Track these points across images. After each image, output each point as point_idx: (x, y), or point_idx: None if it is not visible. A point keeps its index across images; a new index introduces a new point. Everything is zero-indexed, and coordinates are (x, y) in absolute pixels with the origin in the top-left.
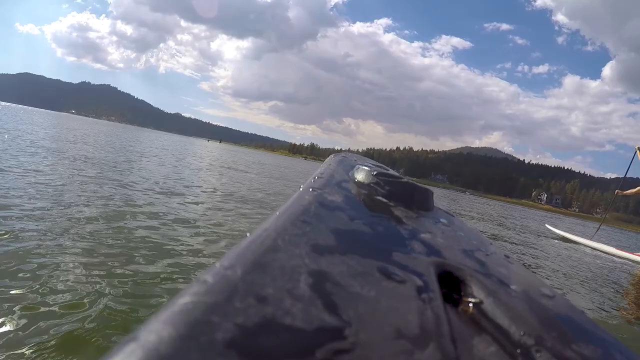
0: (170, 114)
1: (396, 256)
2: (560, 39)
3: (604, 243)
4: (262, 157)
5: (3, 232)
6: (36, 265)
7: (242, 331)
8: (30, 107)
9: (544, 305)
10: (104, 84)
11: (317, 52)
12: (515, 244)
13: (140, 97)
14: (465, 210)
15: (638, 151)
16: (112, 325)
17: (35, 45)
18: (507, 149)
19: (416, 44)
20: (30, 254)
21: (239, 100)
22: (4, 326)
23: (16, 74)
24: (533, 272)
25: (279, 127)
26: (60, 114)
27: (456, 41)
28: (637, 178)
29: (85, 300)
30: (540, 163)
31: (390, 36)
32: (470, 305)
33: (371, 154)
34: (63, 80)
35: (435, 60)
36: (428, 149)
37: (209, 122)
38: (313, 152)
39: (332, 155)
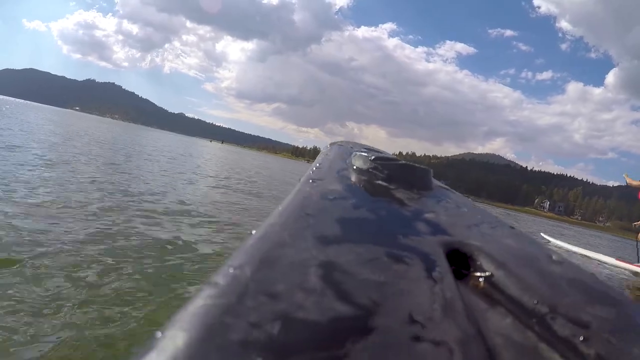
0: (174, 113)
1: (402, 239)
2: (564, 46)
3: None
4: (266, 160)
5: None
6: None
7: (256, 329)
8: (34, 103)
9: (554, 272)
10: (109, 82)
11: (322, 55)
12: None
13: (144, 96)
14: None
15: (626, 178)
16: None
17: (41, 41)
18: (509, 155)
19: (420, 49)
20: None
21: (242, 102)
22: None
23: (22, 69)
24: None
25: (282, 129)
26: (64, 110)
27: (460, 47)
28: None
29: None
30: (542, 170)
31: (394, 41)
32: (481, 279)
33: None
34: (68, 77)
35: (439, 65)
36: (431, 155)
37: (212, 123)
38: (315, 156)
39: (328, 145)
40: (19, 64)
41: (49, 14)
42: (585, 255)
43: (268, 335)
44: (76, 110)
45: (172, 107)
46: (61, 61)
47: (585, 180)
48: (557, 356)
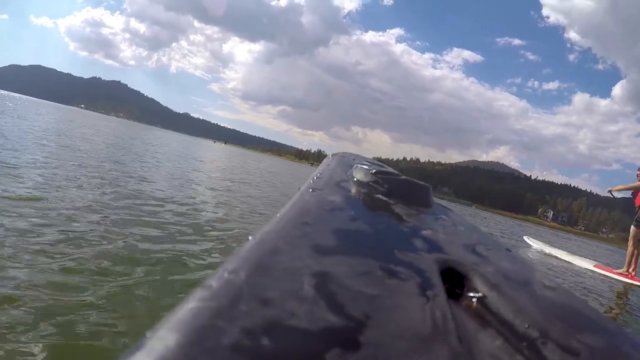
0: (179, 113)
1: (398, 254)
2: (571, 57)
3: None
4: (271, 163)
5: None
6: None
7: (247, 334)
8: (40, 100)
9: (547, 297)
10: (115, 80)
11: (329, 58)
12: None
13: (149, 96)
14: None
15: (612, 191)
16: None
17: (48, 38)
18: (513, 164)
19: (427, 55)
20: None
21: (248, 103)
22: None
23: (28, 65)
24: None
25: (287, 131)
26: (69, 107)
27: (467, 54)
28: None
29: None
30: (547, 179)
31: (401, 46)
32: (474, 300)
33: None
34: (74, 74)
35: (446, 72)
36: (435, 161)
37: (217, 124)
38: (320, 159)
39: (330, 155)
40: (25, 60)
41: (57, 11)
42: (565, 260)
43: (258, 341)
44: (81, 107)
45: (178, 107)
46: (68, 58)
47: (589, 191)
48: None
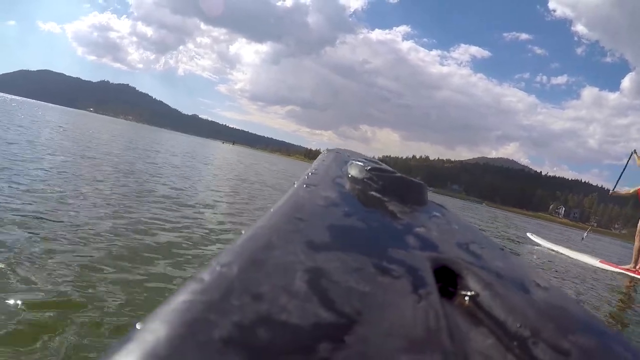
0: (188, 115)
1: (391, 251)
2: (579, 50)
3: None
4: (284, 167)
5: None
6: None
7: (239, 329)
8: (50, 104)
9: (540, 297)
10: (123, 84)
11: (336, 58)
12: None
13: (158, 98)
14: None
15: (635, 154)
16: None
17: (56, 43)
18: (523, 160)
19: (434, 52)
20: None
21: (256, 104)
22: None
23: (37, 70)
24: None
25: (295, 132)
26: (79, 111)
27: (475, 50)
28: None
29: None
30: (557, 175)
31: (408, 44)
32: (467, 298)
33: (387, 162)
34: (83, 78)
35: (454, 69)
36: (444, 159)
37: (225, 125)
38: None
39: (325, 151)
40: (34, 65)
41: (64, 16)
42: (568, 256)
43: (249, 335)
44: (90, 111)
45: (186, 109)
46: (76, 63)
47: (600, 186)
48: None
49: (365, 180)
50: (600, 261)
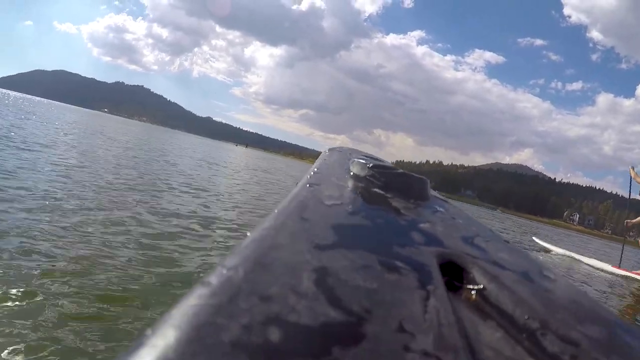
0: (202, 117)
1: (397, 248)
2: (594, 56)
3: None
4: (302, 169)
5: None
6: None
7: (247, 331)
8: (65, 104)
9: (547, 288)
10: (138, 85)
11: (350, 62)
12: None
13: (172, 100)
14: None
15: (632, 171)
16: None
17: (72, 44)
18: (537, 166)
19: (449, 57)
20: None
21: (269, 107)
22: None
23: (52, 71)
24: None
25: (309, 135)
26: (94, 112)
27: (489, 55)
28: None
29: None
30: (571, 182)
31: (423, 49)
32: (473, 292)
33: (400, 167)
34: (98, 79)
35: (468, 74)
36: (458, 164)
37: (239, 127)
38: None
39: (326, 150)
40: (49, 66)
41: (80, 17)
42: (574, 258)
43: (258, 337)
44: (104, 112)
45: (200, 111)
46: (91, 63)
47: (615, 193)
48: None
49: (367, 177)
50: (613, 266)
